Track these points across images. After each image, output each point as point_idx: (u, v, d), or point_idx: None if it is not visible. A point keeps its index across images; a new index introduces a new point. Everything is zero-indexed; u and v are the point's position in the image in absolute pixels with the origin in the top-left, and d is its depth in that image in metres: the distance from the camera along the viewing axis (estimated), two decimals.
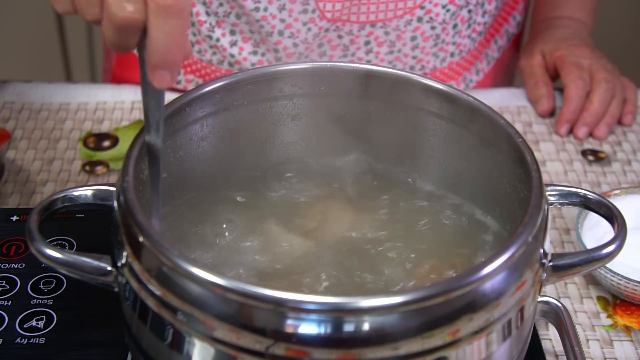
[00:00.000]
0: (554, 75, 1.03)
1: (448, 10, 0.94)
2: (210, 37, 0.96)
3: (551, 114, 1.00)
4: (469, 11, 0.96)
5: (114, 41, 0.55)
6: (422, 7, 0.92)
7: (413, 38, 0.95)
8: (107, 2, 0.53)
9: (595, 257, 0.60)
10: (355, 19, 0.92)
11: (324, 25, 0.92)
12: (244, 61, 0.97)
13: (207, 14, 0.94)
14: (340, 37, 0.94)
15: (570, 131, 0.98)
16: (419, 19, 0.93)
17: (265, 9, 0.91)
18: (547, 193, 0.63)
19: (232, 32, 0.95)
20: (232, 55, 0.97)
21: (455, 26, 0.96)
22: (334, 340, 0.51)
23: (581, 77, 0.98)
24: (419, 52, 0.97)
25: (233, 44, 0.96)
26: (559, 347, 0.72)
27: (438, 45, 0.97)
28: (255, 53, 0.96)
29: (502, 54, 1.09)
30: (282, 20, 0.92)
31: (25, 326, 0.68)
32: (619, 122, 1.00)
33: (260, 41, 0.95)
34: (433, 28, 0.94)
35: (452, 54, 0.99)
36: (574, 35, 1.04)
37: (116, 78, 1.07)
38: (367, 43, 0.95)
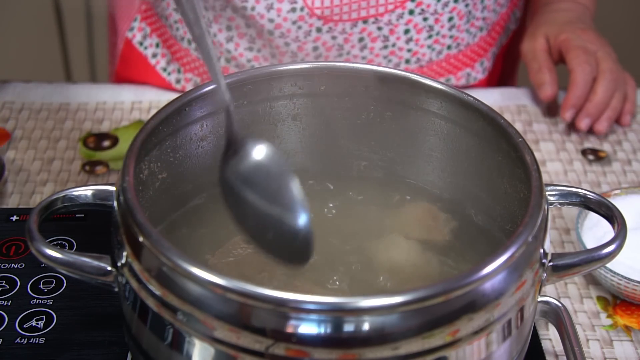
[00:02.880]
0: (558, 60, 1.01)
1: (439, 0, 0.93)
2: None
3: (554, 99, 0.99)
4: (467, 5, 0.96)
5: None
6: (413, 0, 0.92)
7: (406, 31, 0.95)
8: None
9: (595, 257, 0.60)
10: (347, 17, 0.92)
11: (314, 22, 0.92)
12: (240, 57, 0.97)
13: (206, 8, 0.94)
14: (334, 37, 0.94)
15: (573, 122, 0.97)
16: (411, 12, 0.93)
17: (253, 8, 0.91)
18: (547, 193, 0.63)
19: (229, 28, 0.95)
20: (229, 51, 0.97)
21: (450, 19, 0.96)
22: (334, 340, 0.51)
23: (588, 61, 0.96)
24: (413, 44, 0.96)
25: (229, 39, 0.96)
26: (559, 347, 0.72)
27: (433, 37, 0.97)
28: (251, 49, 0.96)
29: (500, 49, 1.09)
30: (271, 20, 0.92)
31: (25, 326, 0.68)
32: (618, 123, 1.00)
33: (256, 36, 0.95)
34: (425, 19, 0.94)
35: (448, 47, 0.99)
36: (577, 19, 1.02)
37: (119, 77, 1.07)
38: (360, 40, 0.95)
